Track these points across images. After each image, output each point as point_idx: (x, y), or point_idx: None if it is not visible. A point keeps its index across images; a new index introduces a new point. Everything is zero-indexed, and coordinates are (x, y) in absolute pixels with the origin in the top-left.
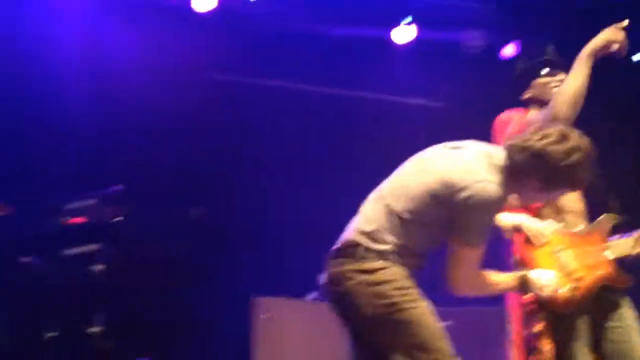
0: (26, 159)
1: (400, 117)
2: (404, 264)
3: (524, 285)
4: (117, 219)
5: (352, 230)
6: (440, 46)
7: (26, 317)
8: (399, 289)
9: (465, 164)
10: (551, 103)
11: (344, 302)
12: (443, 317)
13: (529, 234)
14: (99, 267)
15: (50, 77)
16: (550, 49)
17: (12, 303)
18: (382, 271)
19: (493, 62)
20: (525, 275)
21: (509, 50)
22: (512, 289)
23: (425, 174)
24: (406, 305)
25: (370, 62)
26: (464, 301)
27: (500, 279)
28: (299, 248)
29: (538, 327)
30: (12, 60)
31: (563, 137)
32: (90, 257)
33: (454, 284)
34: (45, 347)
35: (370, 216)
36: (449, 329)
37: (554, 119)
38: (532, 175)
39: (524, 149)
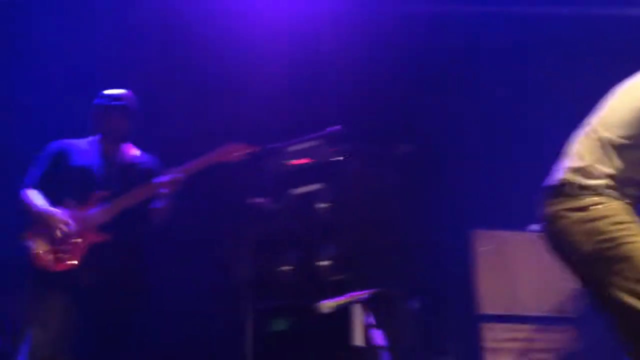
0: (250, 107)
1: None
2: (623, 198)
3: None
4: (337, 158)
5: (563, 169)
6: None
7: (263, 253)
8: (617, 223)
9: None
10: None
11: (560, 241)
12: None
13: None
14: (323, 205)
15: (267, 34)
16: None
17: (251, 241)
18: (597, 207)
19: None
20: None
21: None
22: None
23: (634, 97)
24: (626, 240)
25: None
26: None
27: None
28: (519, 179)
29: None
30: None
31: None
32: (315, 196)
33: None
34: (282, 281)
35: (581, 152)
36: None
37: None
38: None
39: None
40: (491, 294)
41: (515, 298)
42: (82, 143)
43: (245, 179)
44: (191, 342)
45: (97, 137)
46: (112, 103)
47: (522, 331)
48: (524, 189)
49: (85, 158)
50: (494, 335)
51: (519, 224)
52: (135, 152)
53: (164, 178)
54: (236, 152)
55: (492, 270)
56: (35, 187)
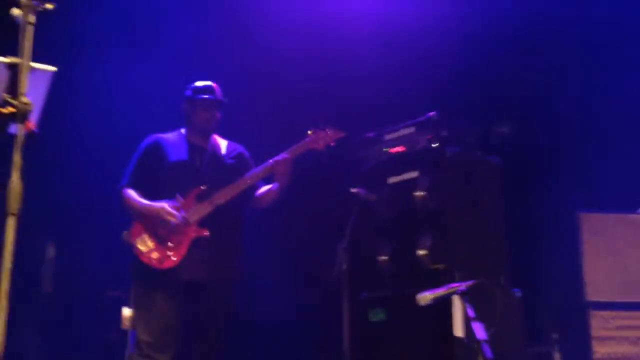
0: (347, 95)
1: None
2: None
3: None
4: (433, 145)
5: None
6: None
7: (361, 242)
8: None
9: None
10: None
11: None
12: None
13: None
14: (420, 193)
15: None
16: None
17: (349, 231)
18: None
19: None
20: None
21: None
22: None
23: None
24: None
25: None
26: None
27: None
28: (628, 159)
29: None
30: None
31: None
32: (412, 184)
33: None
34: (379, 270)
35: None
36: None
37: None
38: None
39: None
40: (599, 280)
41: (626, 284)
42: (173, 136)
43: (342, 169)
44: (290, 332)
45: (186, 130)
46: (201, 96)
47: (635, 319)
48: (634, 170)
49: (180, 153)
50: (602, 324)
51: (629, 206)
52: (224, 142)
53: (267, 164)
54: (323, 140)
55: (600, 255)
56: (133, 185)
